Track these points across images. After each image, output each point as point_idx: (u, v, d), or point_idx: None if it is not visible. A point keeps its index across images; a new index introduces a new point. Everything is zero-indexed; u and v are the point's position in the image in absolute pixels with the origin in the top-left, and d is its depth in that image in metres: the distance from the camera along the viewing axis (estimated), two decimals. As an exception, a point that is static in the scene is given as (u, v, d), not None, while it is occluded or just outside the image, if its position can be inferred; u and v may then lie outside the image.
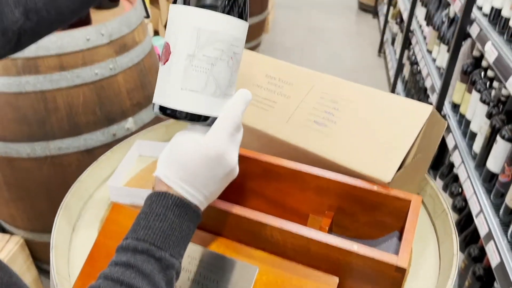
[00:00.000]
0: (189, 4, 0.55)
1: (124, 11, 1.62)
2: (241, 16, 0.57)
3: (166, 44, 0.57)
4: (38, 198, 1.57)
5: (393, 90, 3.26)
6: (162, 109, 0.57)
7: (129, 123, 1.58)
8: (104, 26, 1.43)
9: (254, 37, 3.75)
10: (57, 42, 1.36)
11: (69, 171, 1.52)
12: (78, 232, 0.90)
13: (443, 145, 2.02)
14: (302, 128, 0.79)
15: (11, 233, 1.73)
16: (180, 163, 0.56)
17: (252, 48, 3.74)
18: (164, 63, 0.57)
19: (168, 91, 0.57)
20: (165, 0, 2.62)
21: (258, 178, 0.81)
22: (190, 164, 0.56)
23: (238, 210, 0.69)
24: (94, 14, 1.57)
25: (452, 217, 0.86)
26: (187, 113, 0.57)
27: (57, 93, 1.41)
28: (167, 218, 0.53)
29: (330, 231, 0.76)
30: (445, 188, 2.03)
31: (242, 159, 0.77)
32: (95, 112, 1.48)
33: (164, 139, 1.17)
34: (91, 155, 1.52)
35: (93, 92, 1.46)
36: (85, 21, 1.47)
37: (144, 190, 0.92)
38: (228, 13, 0.56)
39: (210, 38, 0.56)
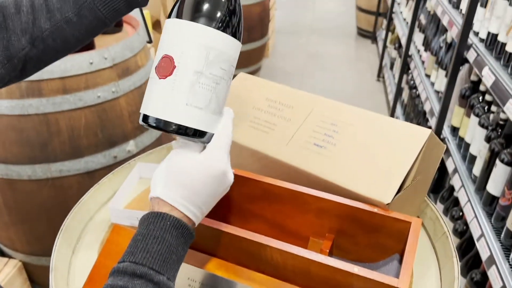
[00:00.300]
0: (186, 19, 0.57)
1: (128, 36, 1.66)
2: (238, 38, 0.60)
3: (168, 58, 0.57)
4: (38, 221, 1.57)
5: (392, 114, 3.28)
6: (155, 121, 0.57)
7: (130, 146, 1.59)
8: (107, 50, 1.46)
9: (254, 62, 3.80)
10: (61, 65, 1.38)
11: (70, 194, 1.52)
12: (78, 254, 0.89)
13: (443, 168, 2.02)
14: (302, 150, 0.80)
15: (9, 256, 1.72)
16: (183, 183, 0.56)
17: (253, 72, 3.78)
18: (165, 77, 0.57)
19: (171, 106, 0.56)
20: (168, 25, 2.66)
21: (259, 199, 0.81)
22: (194, 183, 0.56)
23: (238, 231, 0.69)
24: (98, 39, 1.60)
25: (452, 240, 0.86)
26: (187, 128, 0.57)
27: (60, 115, 1.43)
28: (165, 241, 0.53)
29: (330, 254, 0.76)
30: (446, 212, 2.03)
31: (242, 180, 0.78)
32: (97, 135, 1.49)
33: (165, 161, 1.18)
34: (91, 177, 1.53)
35: (95, 114, 1.48)
36: (89, 46, 1.50)
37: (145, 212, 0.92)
38: (232, 35, 0.59)
39: (217, 57, 0.57)
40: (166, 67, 0.57)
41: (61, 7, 0.65)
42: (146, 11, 2.20)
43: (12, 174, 1.47)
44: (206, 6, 0.57)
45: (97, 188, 1.02)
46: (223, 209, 0.84)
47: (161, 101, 0.57)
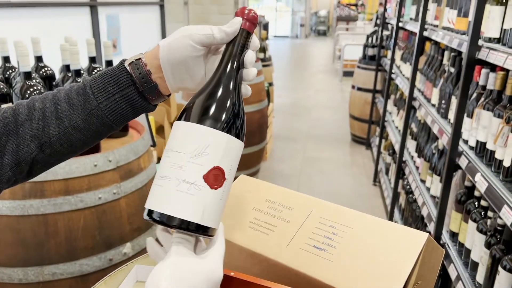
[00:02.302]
0: (231, 134, 0.62)
1: (133, 140, 1.72)
2: None
3: (220, 170, 0.60)
4: (23, 328, 1.48)
5: (390, 218, 3.27)
6: (191, 225, 0.59)
7: (127, 248, 1.57)
8: (112, 153, 1.51)
9: (253, 165, 3.89)
10: (65, 167, 1.42)
11: (60, 299, 1.46)
12: None
13: (445, 275, 1.97)
14: (302, 253, 0.80)
15: None
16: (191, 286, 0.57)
17: (252, 175, 3.85)
18: (216, 188, 0.60)
19: (219, 214, 0.61)
20: (170, 130, 2.79)
21: (258, 305, 0.79)
22: (199, 286, 0.57)
23: None
24: (104, 142, 1.67)
25: None
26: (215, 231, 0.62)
27: (59, 216, 1.43)
28: None
29: None
30: (453, 323, 1.93)
31: (242, 284, 0.77)
32: (94, 237, 1.48)
33: (162, 264, 1.15)
34: (84, 281, 1.48)
35: (94, 216, 1.48)
36: (95, 149, 1.55)
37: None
38: None
39: None
40: (218, 179, 0.60)
41: (70, 115, 0.68)
42: (151, 117, 2.32)
43: (2, 277, 1.43)
44: (241, 123, 0.64)
45: (91, 292, 0.98)
46: (221, 315, 0.81)
47: (212, 211, 0.60)
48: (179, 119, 0.63)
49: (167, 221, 0.59)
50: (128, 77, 0.69)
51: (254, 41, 0.69)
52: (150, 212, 0.60)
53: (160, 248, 0.63)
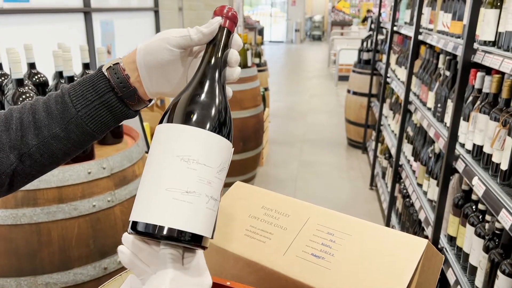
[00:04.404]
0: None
1: (127, 146, 1.71)
2: None
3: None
4: None
5: (387, 223, 3.26)
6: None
7: (122, 257, 1.54)
8: (106, 160, 1.50)
9: (249, 170, 3.87)
10: (58, 175, 1.40)
11: (54, 309, 1.44)
12: None
13: (444, 280, 1.95)
14: (299, 261, 0.78)
15: None
16: None
17: (247, 180, 3.83)
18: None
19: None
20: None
21: (255, 315, 0.77)
22: None
23: None
24: (98, 149, 1.65)
25: None
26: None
27: (52, 225, 1.41)
28: None
29: None
30: (452, 328, 1.91)
31: (238, 294, 0.75)
32: (89, 245, 1.46)
33: (158, 273, 1.13)
34: (78, 291, 1.46)
35: (89, 224, 1.46)
36: (89, 156, 1.53)
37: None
38: None
39: None
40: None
41: (49, 124, 0.66)
42: (146, 123, 2.30)
43: (-5, 288, 1.41)
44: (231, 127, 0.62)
45: (84, 302, 0.96)
46: (217, 326, 0.79)
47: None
48: (185, 121, 0.57)
49: (192, 240, 0.54)
50: (106, 82, 0.67)
51: (236, 39, 0.66)
52: (172, 231, 0.53)
53: (137, 259, 0.60)
